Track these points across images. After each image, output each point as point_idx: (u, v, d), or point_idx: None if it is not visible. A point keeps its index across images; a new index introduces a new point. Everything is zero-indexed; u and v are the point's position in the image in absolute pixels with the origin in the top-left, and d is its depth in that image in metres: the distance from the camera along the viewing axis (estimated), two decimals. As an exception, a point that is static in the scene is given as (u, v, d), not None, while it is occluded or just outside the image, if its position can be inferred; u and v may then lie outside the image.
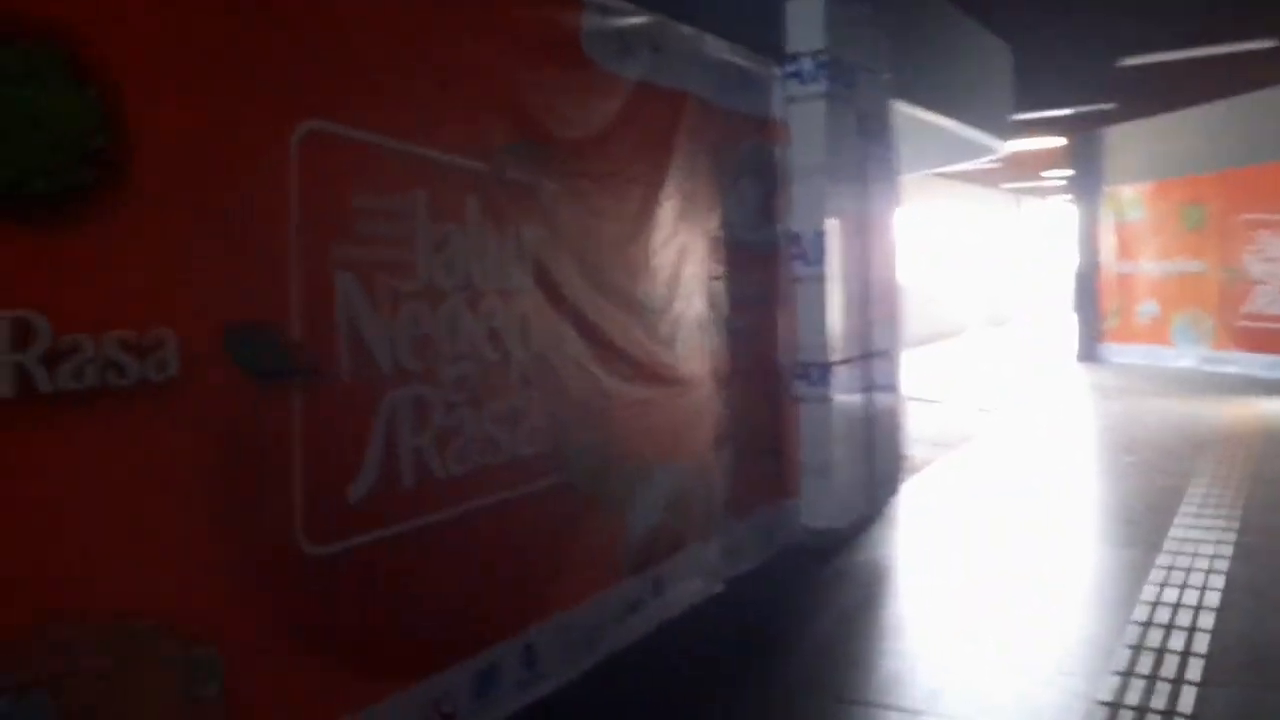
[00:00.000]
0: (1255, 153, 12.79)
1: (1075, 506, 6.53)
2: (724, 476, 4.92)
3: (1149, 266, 14.94)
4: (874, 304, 6.08)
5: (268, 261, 2.71)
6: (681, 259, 4.57)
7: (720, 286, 4.96)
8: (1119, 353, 15.40)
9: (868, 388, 5.98)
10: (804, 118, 5.48)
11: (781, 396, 5.53)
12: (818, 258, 5.45)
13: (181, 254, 2.48)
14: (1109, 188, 15.59)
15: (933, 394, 12.48)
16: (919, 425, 10.13)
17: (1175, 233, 14.34)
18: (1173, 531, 5.62)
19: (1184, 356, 14.15)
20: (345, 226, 2.92)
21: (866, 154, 5.99)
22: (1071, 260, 16.52)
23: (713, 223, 4.88)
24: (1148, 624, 4.26)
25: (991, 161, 19.66)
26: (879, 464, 6.11)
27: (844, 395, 5.65)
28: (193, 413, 2.49)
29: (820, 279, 5.46)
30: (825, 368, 5.48)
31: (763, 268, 5.36)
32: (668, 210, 4.46)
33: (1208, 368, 13.66)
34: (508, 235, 3.53)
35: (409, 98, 3.12)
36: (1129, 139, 15.29)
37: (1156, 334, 14.73)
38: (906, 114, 8.24)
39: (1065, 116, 14.02)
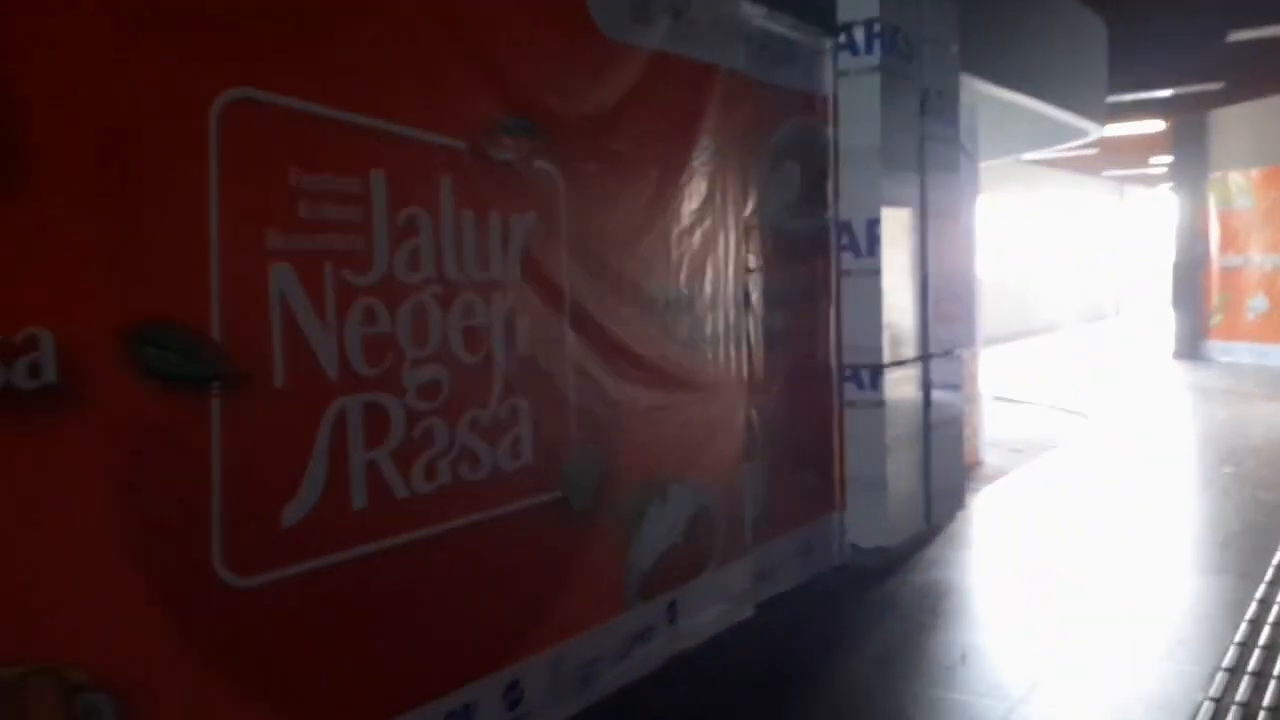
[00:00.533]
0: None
1: (1164, 524, 5.88)
2: (757, 490, 4.46)
3: (1259, 259, 13.88)
4: (940, 300, 5.53)
5: (181, 253, 2.36)
6: (707, 250, 4.12)
7: (757, 281, 4.49)
8: (1224, 351, 14.37)
9: (929, 391, 5.44)
10: (856, 93, 4.96)
11: (828, 401, 5.04)
12: (870, 249, 4.94)
13: (67, 244, 2.14)
14: (1214, 174, 14.54)
15: (1018, 394, 11.75)
16: (1000, 428, 9.48)
17: (1288, 223, 13.28)
18: (1276, 558, 4.96)
19: (1296, 356, 13.11)
20: (281, 211, 2.55)
21: (931, 135, 5.44)
22: (1170, 252, 15.49)
23: (748, 210, 4.42)
24: (1235, 670, 3.67)
25: (1087, 146, 18.62)
26: (940, 475, 5.56)
27: (900, 400, 5.13)
28: (81, 425, 2.16)
29: (873, 272, 4.95)
30: (877, 370, 4.97)
31: (807, 260, 4.87)
32: (691, 196, 4.01)
33: (1323, 368, 12.61)
34: (491, 222, 3.13)
35: (361, 62, 2.74)
36: (1237, 121, 14.22)
37: (1266, 331, 13.69)
38: (984, 92, 7.62)
39: (1167, 98, 13.07)
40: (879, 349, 4.97)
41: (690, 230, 4.02)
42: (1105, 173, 24.44)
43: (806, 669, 3.87)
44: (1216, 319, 14.65)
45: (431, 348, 2.94)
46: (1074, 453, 8.11)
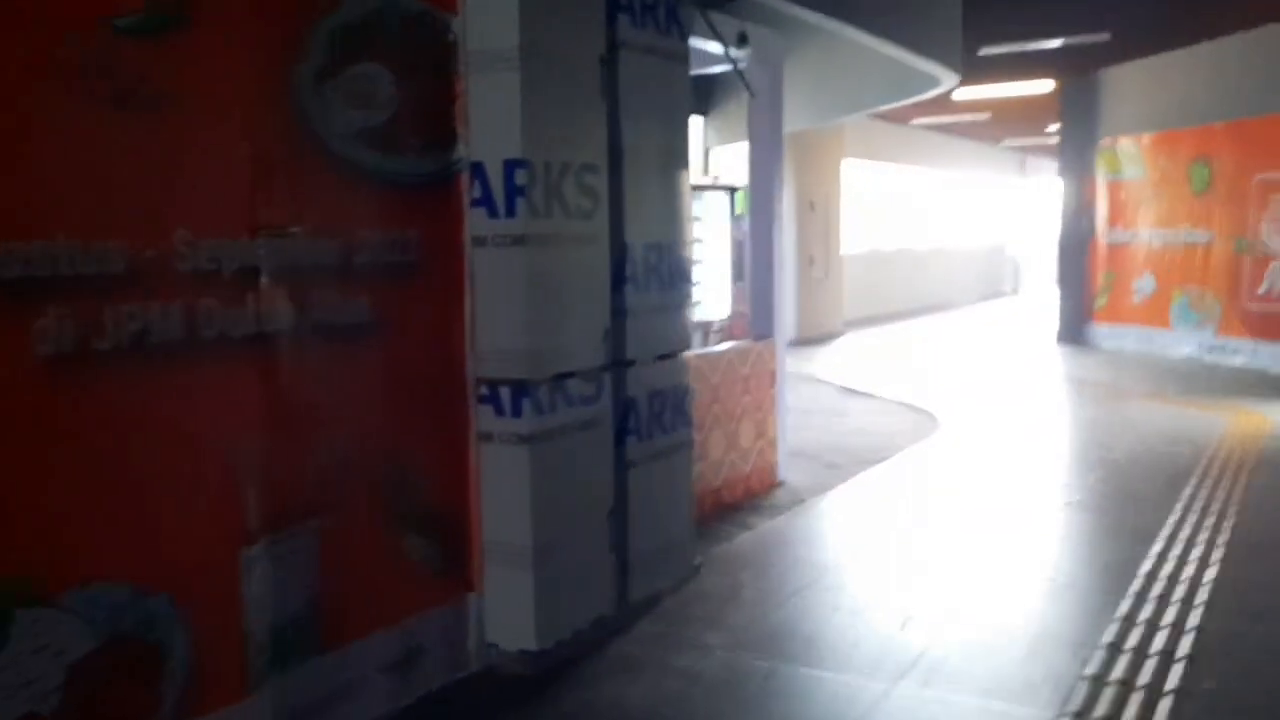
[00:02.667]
0: (1277, 99, 10.44)
1: (969, 593, 4.36)
2: (294, 576, 2.79)
3: (1147, 235, 12.62)
4: (649, 283, 3.90)
5: None
6: (138, 199, 2.40)
7: (295, 248, 2.79)
8: (1108, 335, 13.13)
9: (627, 414, 3.81)
10: (495, -30, 3.27)
11: (454, 434, 3.36)
12: (510, 207, 3.26)
13: None
14: (1103, 140, 13.23)
15: (869, 386, 10.28)
16: (824, 433, 7.97)
17: (1179, 195, 12.02)
18: (1089, 667, 3.45)
19: (1184, 342, 11.88)
20: None
21: (629, 43, 3.77)
22: (1056, 227, 14.20)
23: (267, 133, 2.71)
24: None
25: (978, 110, 17.29)
26: (649, 532, 3.94)
27: (566, 428, 3.48)
28: None
29: (514, 240, 3.28)
30: (523, 387, 3.31)
31: (405, 218, 3.17)
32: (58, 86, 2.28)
33: (1210, 357, 11.39)
34: None
35: None
36: (1128, 81, 12.90)
37: (1153, 315, 12.46)
38: (799, 19, 6.04)
39: (1051, 52, 11.66)
40: (526, 355, 3.31)
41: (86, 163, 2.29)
42: (1005, 142, 23.25)
43: None
44: (1101, 300, 13.40)
45: None
46: (897, 470, 6.61)
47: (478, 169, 3.28)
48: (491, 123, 3.24)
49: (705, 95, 12.99)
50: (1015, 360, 12.29)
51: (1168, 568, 4.43)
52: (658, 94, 3.94)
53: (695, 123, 13.54)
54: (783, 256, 6.40)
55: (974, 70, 10.93)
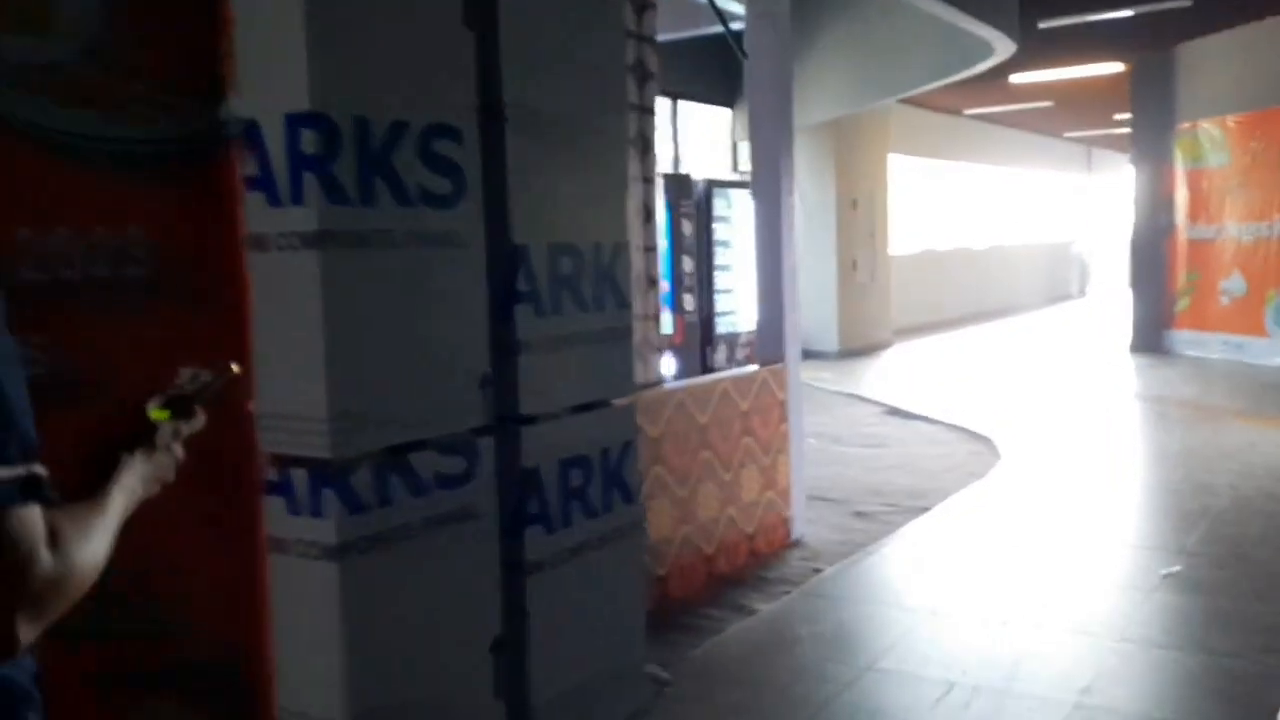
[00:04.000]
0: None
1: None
2: None
3: (1235, 230, 11.11)
4: (544, 305, 2.70)
5: None
6: None
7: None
8: (1191, 343, 11.63)
9: (522, 493, 2.61)
10: None
11: (225, 539, 2.19)
12: (296, 191, 2.09)
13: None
14: (1182, 125, 11.74)
15: (921, 406, 8.96)
16: (864, 469, 6.68)
17: (1273, 183, 10.52)
18: None
19: (1281, 351, 10.38)
20: None
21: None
22: (1129, 223, 12.72)
23: None
24: None
25: (1040, 99, 15.73)
26: (558, 670, 2.73)
27: (416, 528, 2.30)
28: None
29: (313, 242, 2.10)
30: (327, 470, 2.13)
31: (124, 211, 2.01)
32: None
33: (1315, 369, 9.89)
34: None
35: None
36: (1210, 57, 11.41)
37: (1243, 319, 10.95)
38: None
39: (1122, 24, 10.24)
40: (328, 419, 2.13)
41: None
42: (1068, 134, 21.64)
43: None
44: (1183, 304, 11.89)
45: None
46: (944, 524, 5.32)
47: (252, 131, 2.11)
48: (268, 57, 2.07)
49: (733, 84, 11.77)
50: (1086, 373, 10.85)
51: (1322, 691, 3.12)
52: (572, 34, 2.74)
53: (722, 115, 12.34)
54: (796, 260, 5.16)
55: (1034, 47, 9.58)
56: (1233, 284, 11.15)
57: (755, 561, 4.75)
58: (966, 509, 5.54)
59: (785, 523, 5.03)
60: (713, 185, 9.76)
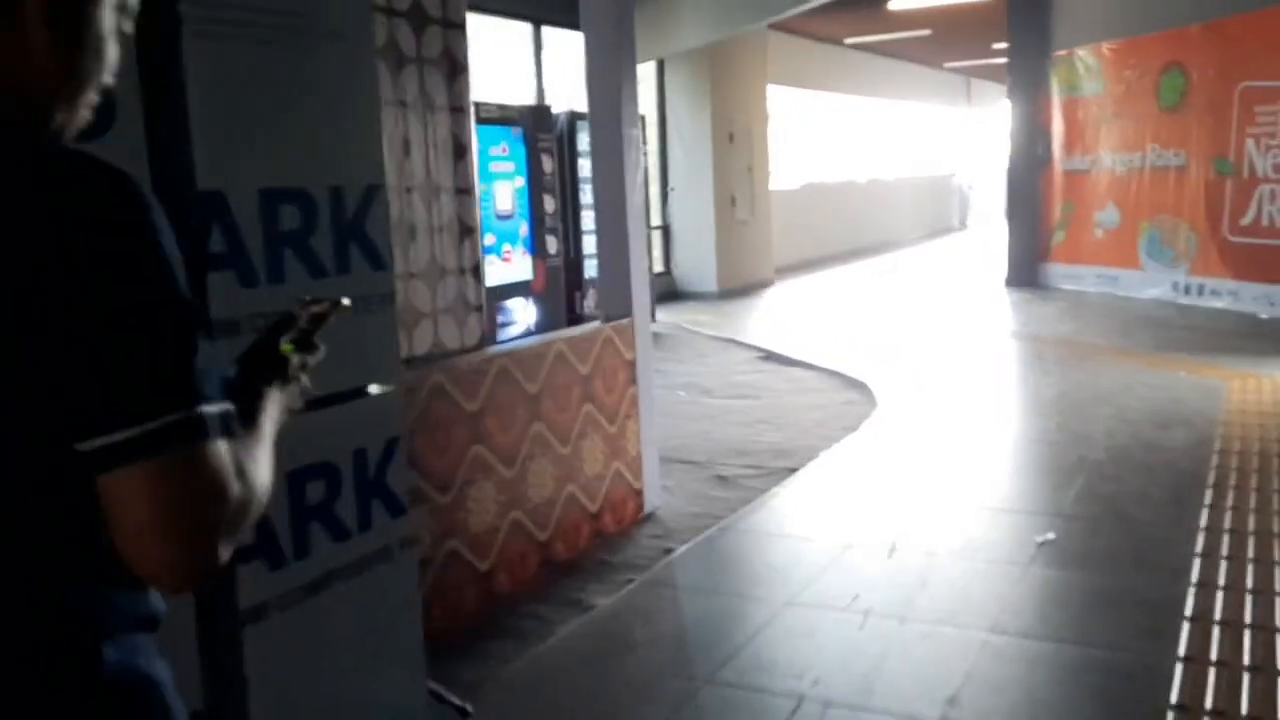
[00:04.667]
0: (1265, -10, 8.76)
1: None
2: None
3: (1109, 160, 10.97)
4: (251, 270, 2.06)
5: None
6: None
7: None
8: (1067, 277, 11.53)
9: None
10: None
11: None
12: None
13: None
14: (1059, 52, 11.50)
15: (798, 350, 8.57)
16: (731, 422, 6.20)
17: (1146, 112, 10.36)
18: None
19: (1154, 283, 10.31)
20: None
21: None
22: (1004, 155, 12.52)
23: None
24: None
25: (918, 26, 15.36)
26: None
27: None
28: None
29: None
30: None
31: None
32: None
33: (1186, 300, 9.83)
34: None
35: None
36: (1086, -18, 11.17)
37: (1117, 252, 10.86)
38: None
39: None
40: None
41: None
42: (948, 64, 21.46)
43: None
44: (1059, 237, 11.78)
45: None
46: (811, 487, 4.89)
47: None
48: None
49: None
50: (964, 310, 10.64)
51: (1211, 682, 2.76)
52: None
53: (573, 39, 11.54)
54: (641, 200, 4.58)
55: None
56: (1107, 216, 11.03)
57: (600, 544, 4.23)
58: (833, 471, 5.11)
59: (636, 496, 4.52)
60: (575, 117, 9.08)
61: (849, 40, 16.52)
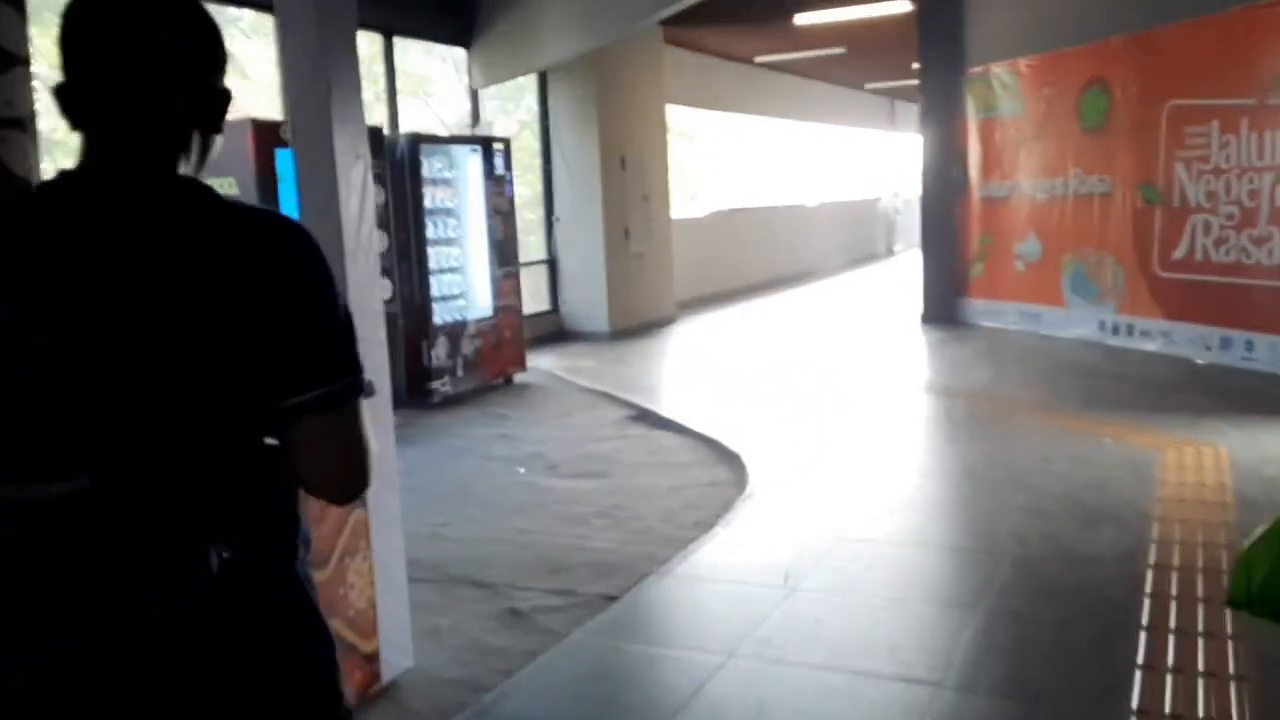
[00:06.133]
0: (1194, 0, 7.83)
1: None
2: None
3: (1029, 186, 9.99)
4: None
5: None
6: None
7: None
8: (986, 313, 10.53)
9: None
10: None
11: None
12: None
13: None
14: (974, 69, 10.53)
15: (672, 404, 7.38)
16: (557, 515, 4.88)
17: (1067, 133, 9.40)
18: None
19: (1080, 322, 9.32)
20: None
21: None
22: (917, 182, 11.53)
23: None
24: None
25: (832, 45, 14.35)
26: None
27: None
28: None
29: None
30: None
31: None
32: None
33: (1115, 341, 8.84)
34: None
35: None
36: (1001, -7, 10.22)
37: (1039, 287, 9.87)
38: None
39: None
40: None
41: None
42: (869, 85, 20.60)
43: None
44: (977, 269, 10.77)
45: None
46: (633, 623, 3.67)
47: None
48: None
49: (463, 20, 9.83)
50: (873, 354, 9.55)
51: None
52: None
53: (456, 56, 10.34)
54: (374, 240, 3.35)
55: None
56: (1028, 247, 10.05)
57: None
58: (671, 591, 3.90)
59: (366, 663, 3.25)
60: (419, 141, 7.84)
61: (759, 59, 15.50)
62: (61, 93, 1.20)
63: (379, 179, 7.40)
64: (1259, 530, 1.51)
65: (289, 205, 5.64)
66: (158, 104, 1.22)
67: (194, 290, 1.14)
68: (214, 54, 1.26)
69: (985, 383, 7.90)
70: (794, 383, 8.25)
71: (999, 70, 10.15)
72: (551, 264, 11.28)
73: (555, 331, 11.11)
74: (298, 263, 1.21)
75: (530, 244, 10.77)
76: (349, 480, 1.25)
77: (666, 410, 7.31)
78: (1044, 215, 9.75)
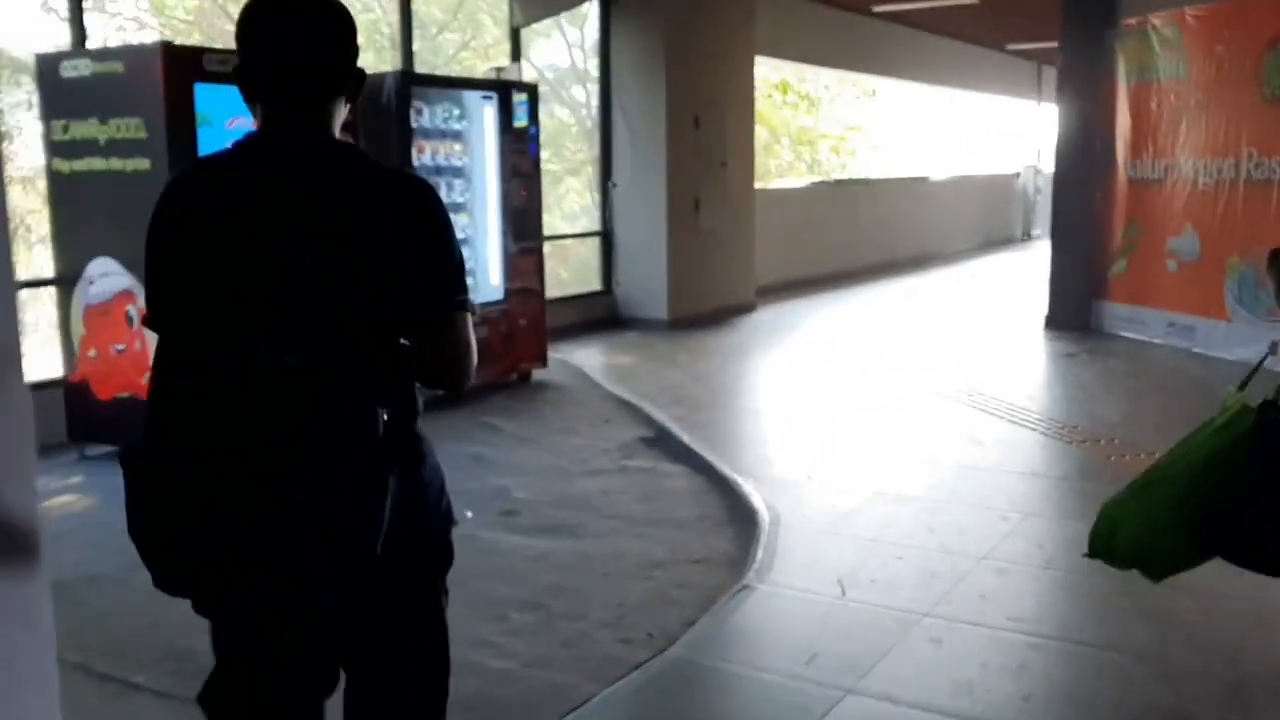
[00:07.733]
0: None
1: None
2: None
3: (1190, 167, 8.00)
4: None
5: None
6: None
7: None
8: (1128, 320, 8.62)
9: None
10: None
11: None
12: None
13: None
14: (1128, 21, 8.54)
15: (705, 432, 5.85)
16: (490, 601, 3.49)
17: (1243, 104, 7.40)
18: None
19: (1246, 340, 7.30)
20: None
21: None
22: (1051, 160, 9.59)
23: None
24: None
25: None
26: None
27: None
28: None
29: None
30: None
31: None
32: None
33: (1291, 372, 6.85)
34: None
35: None
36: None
37: (1195, 294, 7.93)
38: None
39: None
40: None
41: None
42: (1011, 45, 18.29)
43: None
44: (1119, 266, 8.84)
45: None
46: None
47: None
48: None
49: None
50: (981, 366, 7.78)
51: None
52: None
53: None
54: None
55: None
56: (1184, 243, 8.10)
57: None
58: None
59: None
60: (408, 80, 6.47)
61: (878, 8, 13.57)
62: (244, 73, 1.72)
63: (350, 127, 6.15)
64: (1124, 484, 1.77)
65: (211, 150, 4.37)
66: (328, 82, 1.74)
67: (361, 225, 1.69)
68: (356, 42, 1.76)
69: (1114, 420, 6.11)
70: (864, 401, 6.62)
71: (1159, 22, 8.14)
72: (606, 237, 9.80)
73: (607, 317, 9.67)
74: (430, 211, 1.77)
75: (579, 213, 9.33)
76: (464, 372, 1.80)
77: (692, 433, 5.80)
78: (1206, 205, 7.77)
